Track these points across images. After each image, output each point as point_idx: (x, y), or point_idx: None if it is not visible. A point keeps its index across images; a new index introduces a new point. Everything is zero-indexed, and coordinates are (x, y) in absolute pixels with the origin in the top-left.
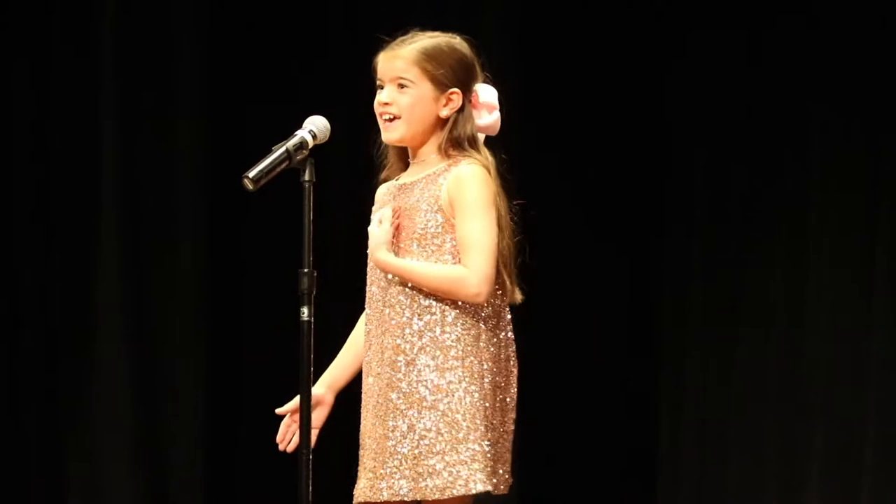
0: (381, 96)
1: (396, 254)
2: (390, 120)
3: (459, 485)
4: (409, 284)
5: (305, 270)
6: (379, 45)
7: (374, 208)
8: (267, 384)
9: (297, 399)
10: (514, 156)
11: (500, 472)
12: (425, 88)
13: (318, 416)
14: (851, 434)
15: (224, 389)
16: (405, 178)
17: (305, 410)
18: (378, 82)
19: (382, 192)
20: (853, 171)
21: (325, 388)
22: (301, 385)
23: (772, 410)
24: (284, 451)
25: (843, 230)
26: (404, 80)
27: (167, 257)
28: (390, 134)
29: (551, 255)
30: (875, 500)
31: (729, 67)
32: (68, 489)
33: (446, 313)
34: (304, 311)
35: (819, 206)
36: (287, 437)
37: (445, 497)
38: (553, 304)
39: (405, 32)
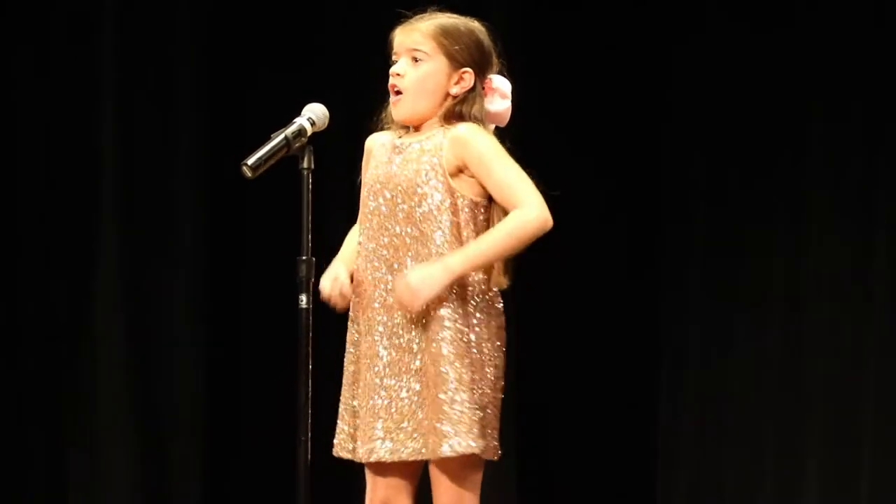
0: (394, 68)
1: (400, 212)
2: (399, 93)
3: (454, 446)
4: (413, 243)
5: (304, 258)
6: (392, 20)
7: (364, 157)
8: (266, 372)
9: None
10: (515, 140)
11: (489, 438)
12: (439, 63)
13: (345, 284)
14: (850, 417)
15: (223, 378)
16: (404, 137)
17: (304, 395)
18: (393, 56)
19: (377, 142)
20: (853, 155)
21: (341, 263)
22: (299, 372)
23: (770, 393)
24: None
25: (843, 216)
26: (419, 53)
27: (166, 246)
28: (398, 111)
29: (551, 234)
30: (874, 483)
31: (731, 57)
32: (68, 481)
33: None
34: (303, 298)
35: (819, 190)
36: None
37: (435, 457)
38: (553, 284)
39: (424, 11)
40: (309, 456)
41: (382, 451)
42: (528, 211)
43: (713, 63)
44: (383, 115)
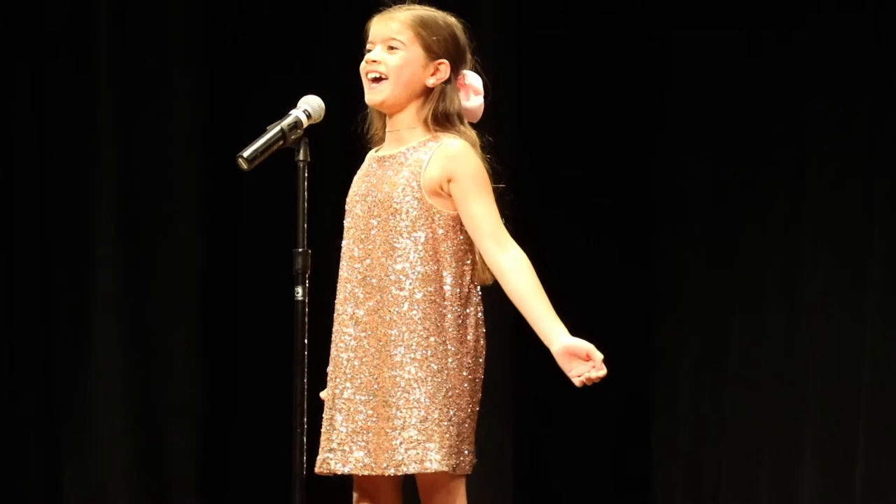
0: (369, 55)
1: (375, 226)
2: (376, 80)
3: (414, 462)
4: (386, 259)
5: (300, 250)
6: (373, 12)
7: (358, 172)
8: (262, 365)
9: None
10: (506, 144)
11: (465, 452)
12: (415, 52)
13: None
14: (846, 418)
15: (220, 372)
16: (384, 150)
17: (300, 389)
18: (368, 45)
19: (367, 159)
20: (849, 158)
21: None
22: (295, 364)
23: (766, 395)
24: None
25: (839, 217)
26: (395, 42)
27: (162, 240)
28: (374, 95)
29: (544, 242)
30: (869, 481)
31: (726, 62)
32: (64, 480)
33: (415, 291)
34: (299, 290)
35: (815, 192)
36: None
37: (400, 473)
38: (550, 289)
39: (402, 1)
40: (305, 449)
41: (352, 463)
42: (520, 250)
43: (709, 68)
44: (369, 130)
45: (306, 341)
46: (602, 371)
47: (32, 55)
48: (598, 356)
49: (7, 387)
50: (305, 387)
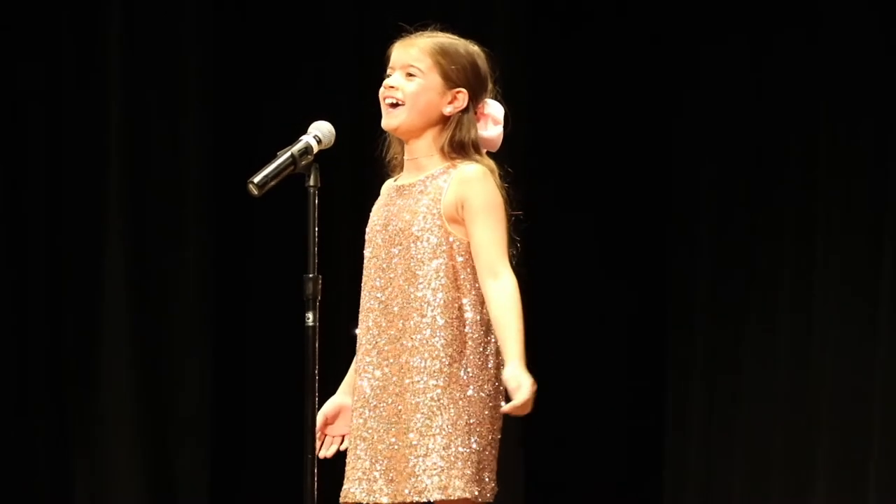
0: (388, 81)
1: (396, 255)
2: (393, 105)
3: (438, 489)
4: (407, 286)
5: (310, 276)
6: (394, 36)
7: (376, 202)
8: (272, 390)
9: (323, 409)
10: (516, 164)
11: (486, 479)
12: (433, 80)
13: (346, 423)
14: (858, 431)
15: (229, 391)
16: (403, 179)
17: (311, 415)
18: (388, 70)
19: (385, 189)
20: (860, 169)
21: (344, 393)
22: (306, 390)
23: (778, 411)
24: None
25: (850, 231)
26: (414, 69)
27: (172, 262)
28: (391, 120)
29: (557, 257)
30: (881, 498)
31: (733, 72)
32: (74, 482)
33: (437, 317)
34: (309, 316)
35: (825, 205)
36: (324, 444)
37: (423, 500)
38: (557, 307)
39: (426, 27)
40: (315, 475)
41: (377, 493)
42: (513, 286)
43: (719, 79)
44: (388, 155)
45: (317, 366)
46: (506, 408)
47: (46, 75)
48: (515, 401)
49: (18, 410)
50: (316, 412)
